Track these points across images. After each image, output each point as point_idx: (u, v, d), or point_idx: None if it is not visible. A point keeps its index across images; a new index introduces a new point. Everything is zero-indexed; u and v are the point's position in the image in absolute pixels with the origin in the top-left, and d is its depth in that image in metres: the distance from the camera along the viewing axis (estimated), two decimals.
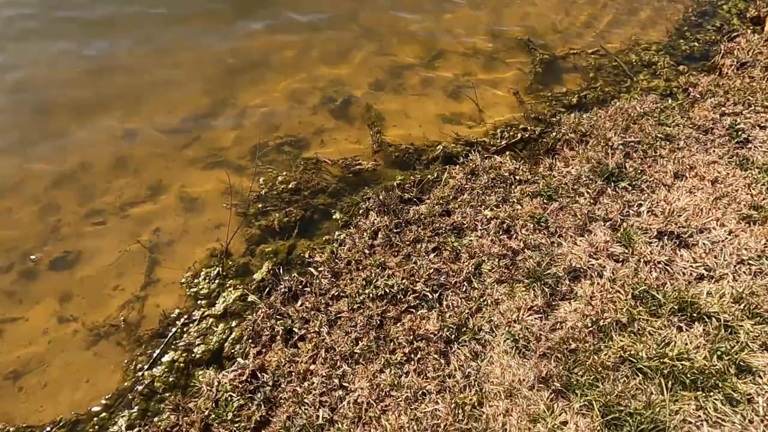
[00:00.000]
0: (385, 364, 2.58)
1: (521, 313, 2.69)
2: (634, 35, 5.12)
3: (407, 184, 3.60)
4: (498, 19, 5.22)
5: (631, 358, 2.40)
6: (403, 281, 2.93)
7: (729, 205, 3.13)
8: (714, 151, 3.60)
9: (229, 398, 2.58)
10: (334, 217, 3.51)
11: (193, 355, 2.86)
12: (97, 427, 2.63)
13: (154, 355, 2.86)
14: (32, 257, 3.26)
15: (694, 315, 2.54)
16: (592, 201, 3.30)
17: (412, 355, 2.62)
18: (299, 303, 2.97)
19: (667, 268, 2.82)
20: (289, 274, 3.12)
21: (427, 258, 3.06)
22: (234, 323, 2.97)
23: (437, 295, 2.88)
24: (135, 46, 4.61)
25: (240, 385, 2.62)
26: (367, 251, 3.17)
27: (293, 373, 2.64)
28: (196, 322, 3.00)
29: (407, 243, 3.17)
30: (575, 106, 4.32)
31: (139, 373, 2.81)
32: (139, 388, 2.74)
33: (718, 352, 2.35)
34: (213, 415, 2.53)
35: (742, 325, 2.47)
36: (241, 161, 3.86)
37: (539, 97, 4.43)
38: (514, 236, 3.14)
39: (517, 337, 2.58)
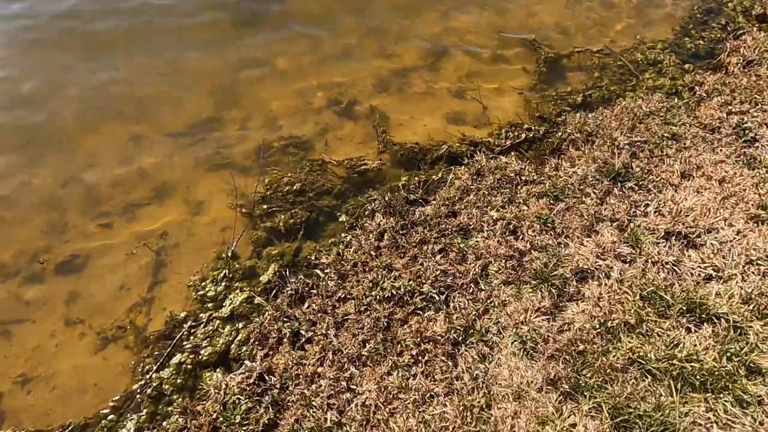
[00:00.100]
0: (393, 367, 2.58)
1: (529, 314, 2.69)
2: (639, 34, 5.09)
3: (412, 184, 3.60)
4: (502, 18, 5.20)
5: (640, 360, 2.39)
6: (410, 283, 2.93)
7: (737, 205, 3.12)
8: (721, 150, 3.58)
9: (237, 401, 2.58)
10: (339, 219, 3.51)
11: (200, 356, 2.87)
12: (105, 430, 2.64)
13: (162, 357, 2.87)
14: (39, 260, 3.28)
15: (703, 316, 2.53)
16: (598, 201, 3.29)
17: (420, 357, 2.62)
18: (306, 305, 2.97)
19: (675, 268, 2.81)
20: (295, 276, 3.12)
21: (434, 259, 3.06)
22: (241, 325, 2.98)
23: (444, 296, 2.87)
24: (141, 53, 4.63)
25: (248, 388, 2.63)
26: (373, 253, 3.16)
27: (301, 376, 2.64)
28: (202, 325, 3.01)
29: (413, 244, 3.16)
30: (580, 105, 4.30)
31: (147, 376, 2.82)
32: (148, 390, 2.75)
33: (728, 354, 2.34)
34: (221, 418, 2.53)
35: (751, 326, 2.45)
36: (246, 162, 3.87)
37: (544, 97, 4.40)
38: (520, 237, 3.13)
39: (524, 339, 2.58)
